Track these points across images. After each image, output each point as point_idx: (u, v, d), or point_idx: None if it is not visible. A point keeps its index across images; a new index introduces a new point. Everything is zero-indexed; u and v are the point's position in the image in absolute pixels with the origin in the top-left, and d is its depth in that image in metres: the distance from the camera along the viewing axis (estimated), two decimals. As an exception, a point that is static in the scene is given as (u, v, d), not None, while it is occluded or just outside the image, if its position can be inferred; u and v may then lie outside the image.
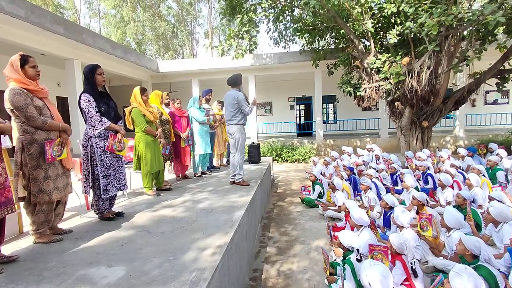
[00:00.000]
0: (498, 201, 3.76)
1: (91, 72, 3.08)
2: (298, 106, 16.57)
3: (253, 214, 4.12)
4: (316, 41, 10.46)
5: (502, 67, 7.80)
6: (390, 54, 7.89)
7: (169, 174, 5.92)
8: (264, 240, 4.33)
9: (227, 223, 3.03)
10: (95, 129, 3.07)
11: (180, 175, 5.49)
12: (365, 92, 8.43)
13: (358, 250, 2.66)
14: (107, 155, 3.17)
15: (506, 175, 5.57)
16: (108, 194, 3.17)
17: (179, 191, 4.58)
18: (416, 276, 2.65)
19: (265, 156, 10.30)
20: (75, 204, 3.75)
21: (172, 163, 5.59)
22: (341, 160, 7.76)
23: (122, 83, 13.55)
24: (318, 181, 5.90)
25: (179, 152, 5.31)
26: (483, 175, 5.34)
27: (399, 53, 7.83)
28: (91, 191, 3.20)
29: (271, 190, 7.34)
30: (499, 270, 2.60)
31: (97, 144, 3.10)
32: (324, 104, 15.17)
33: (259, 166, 6.88)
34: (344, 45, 9.68)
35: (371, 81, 8.31)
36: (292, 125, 15.50)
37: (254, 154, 7.33)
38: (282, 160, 11.42)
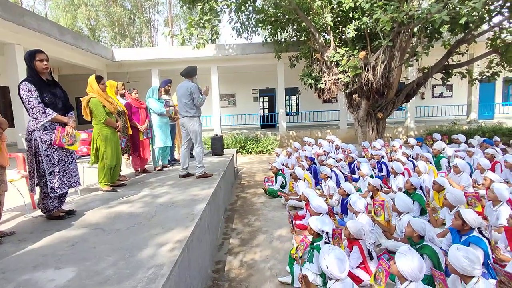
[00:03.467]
0: (441, 185, 4.12)
1: (29, 58, 2.78)
2: (261, 98, 16.65)
3: (215, 206, 4.09)
4: (279, 33, 10.51)
5: (446, 63, 8.48)
6: (348, 48, 8.18)
7: (127, 169, 5.64)
8: (228, 232, 4.33)
9: (188, 217, 2.96)
10: (38, 122, 2.79)
11: (139, 169, 5.26)
12: (325, 84, 8.69)
13: (328, 233, 2.76)
14: (54, 150, 2.90)
15: (448, 162, 6.12)
16: (57, 192, 2.92)
17: (137, 186, 4.38)
18: (371, 258, 2.82)
19: (228, 148, 10.24)
20: (18, 203, 3.42)
21: (130, 156, 5.32)
22: (303, 151, 7.97)
23: (74, 72, 12.55)
24: (280, 172, 6.00)
25: (137, 145, 5.07)
26: (430, 163, 5.82)
27: (357, 47, 8.15)
28: (37, 189, 2.93)
29: (234, 182, 7.33)
30: (441, 248, 2.86)
31: (41, 138, 2.83)
32: (287, 96, 15.42)
33: (222, 158, 6.82)
34: (305, 38, 9.85)
35: (331, 74, 8.57)
36: (256, 117, 15.56)
37: (217, 146, 7.25)
38: (246, 152, 11.45)
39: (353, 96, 8.80)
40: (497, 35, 7.95)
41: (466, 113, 13.17)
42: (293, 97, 16.66)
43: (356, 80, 8.07)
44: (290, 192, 5.53)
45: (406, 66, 7.83)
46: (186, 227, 2.69)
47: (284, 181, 5.83)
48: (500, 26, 7.64)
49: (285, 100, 13.76)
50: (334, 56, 8.17)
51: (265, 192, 5.98)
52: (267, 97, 16.84)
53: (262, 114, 16.28)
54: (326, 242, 2.74)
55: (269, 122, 15.24)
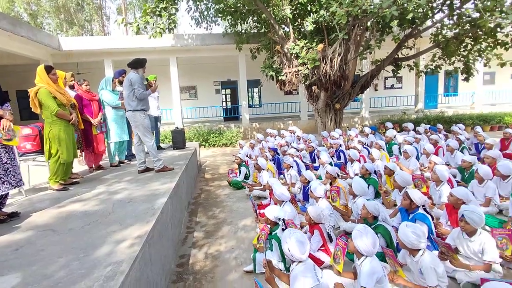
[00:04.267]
0: (391, 170, 4.42)
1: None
2: (224, 90, 16.47)
3: (178, 200, 3.99)
4: (239, 24, 10.42)
5: (396, 56, 9.06)
6: (307, 41, 8.37)
7: (79, 166, 5.27)
8: (191, 226, 4.26)
9: (148, 212, 2.85)
10: (-34, 116, 2.48)
11: (94, 166, 4.95)
12: (286, 76, 8.83)
13: (284, 220, 2.82)
14: (-11, 147, 2.62)
15: (399, 148, 6.59)
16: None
17: (92, 183, 4.12)
18: (331, 241, 2.96)
19: (191, 141, 10.04)
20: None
21: (83, 152, 4.98)
22: (266, 142, 8.09)
23: (13, 61, 11.31)
24: (244, 163, 6.02)
25: (90, 140, 4.74)
26: (383, 149, 6.23)
27: (315, 40, 8.36)
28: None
29: (198, 175, 7.22)
30: (392, 226, 3.09)
31: (-27, 134, 2.53)
32: (249, 88, 15.42)
33: (184, 151, 6.66)
34: (265, 30, 9.87)
35: (291, 66, 8.72)
36: (219, 110, 15.39)
37: (178, 139, 7.05)
38: (209, 145, 11.30)
39: (313, 87, 9.05)
40: (439, 31, 8.65)
41: (414, 103, 14.24)
42: (255, 89, 16.72)
43: (315, 72, 8.30)
44: (254, 183, 5.58)
45: (361, 58, 8.22)
46: (146, 222, 2.60)
47: (247, 172, 5.86)
48: (441, 23, 8.31)
49: (248, 92, 13.73)
50: (293, 48, 8.31)
51: (229, 184, 5.97)
52: (229, 89, 16.70)
53: (224, 107, 16.13)
54: (283, 229, 2.79)
55: (232, 114, 15.15)
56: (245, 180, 5.78)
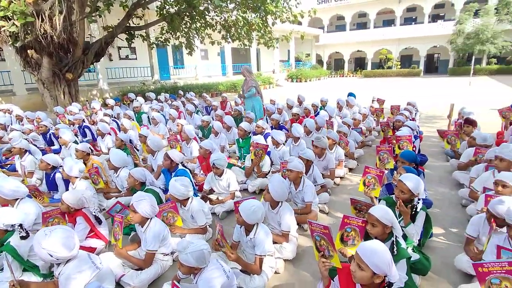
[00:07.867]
0: (145, 136, 4.50)
1: None
2: None
3: None
4: None
5: (128, 25, 8.85)
6: (6, -14, 6.17)
7: None
8: None
9: None
10: None
11: None
12: (-20, 33, 6.21)
13: (21, 225, 2.11)
14: None
15: (148, 117, 6.80)
16: None
17: None
18: (100, 223, 2.62)
19: None
20: None
21: None
22: (-39, 128, 5.53)
23: None
24: None
25: None
26: (133, 119, 6.17)
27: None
28: None
29: None
30: (159, 187, 3.23)
31: None
32: None
33: None
34: None
35: (-15, 18, 6.19)
36: None
37: None
38: None
39: (29, 51, 7.06)
40: (163, 5, 9.31)
41: (151, 75, 14.93)
42: None
43: (29, 30, 6.45)
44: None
45: (89, 21, 7.29)
46: None
47: None
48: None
49: None
50: (-17, -7, 5.87)
51: None
52: None
53: None
54: (23, 237, 2.11)
55: None
56: None
